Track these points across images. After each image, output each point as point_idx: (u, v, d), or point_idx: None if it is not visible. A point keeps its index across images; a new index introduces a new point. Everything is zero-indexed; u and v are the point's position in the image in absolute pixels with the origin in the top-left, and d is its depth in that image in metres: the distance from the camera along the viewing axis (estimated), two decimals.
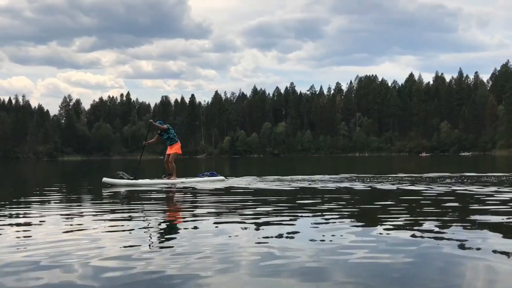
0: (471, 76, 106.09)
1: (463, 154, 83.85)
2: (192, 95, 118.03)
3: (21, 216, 5.59)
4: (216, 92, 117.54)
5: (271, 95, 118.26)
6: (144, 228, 4.58)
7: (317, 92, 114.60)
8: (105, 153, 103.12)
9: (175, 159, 11.18)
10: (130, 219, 5.18)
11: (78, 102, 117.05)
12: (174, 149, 11.23)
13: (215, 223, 4.73)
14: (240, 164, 36.51)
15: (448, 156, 73.87)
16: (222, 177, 11.51)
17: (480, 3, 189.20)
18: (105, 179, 10.09)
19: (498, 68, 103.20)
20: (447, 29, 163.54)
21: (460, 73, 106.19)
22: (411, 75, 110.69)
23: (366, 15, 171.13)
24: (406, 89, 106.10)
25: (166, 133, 11.25)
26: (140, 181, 10.34)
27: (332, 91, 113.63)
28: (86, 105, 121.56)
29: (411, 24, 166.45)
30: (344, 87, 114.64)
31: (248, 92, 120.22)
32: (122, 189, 9.08)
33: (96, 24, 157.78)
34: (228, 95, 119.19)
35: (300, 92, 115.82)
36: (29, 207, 6.37)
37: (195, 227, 4.51)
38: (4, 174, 22.83)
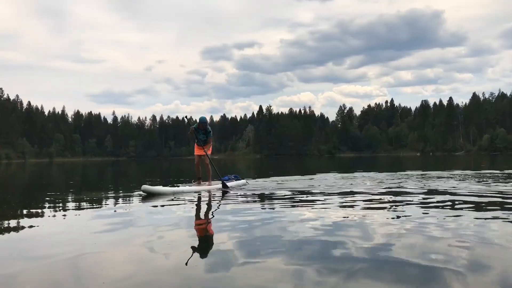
0: None
1: None
2: (450, 97, 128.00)
3: None
4: (474, 93, 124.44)
5: None
6: None
7: None
8: (373, 151, 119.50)
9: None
10: None
11: (351, 109, 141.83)
12: (210, 150, 10.17)
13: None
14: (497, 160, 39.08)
15: None
16: (244, 181, 10.80)
17: None
18: (144, 187, 8.28)
19: None
20: None
21: None
22: None
23: None
24: None
25: (204, 132, 10.04)
26: (181, 188, 8.87)
27: None
28: (357, 111, 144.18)
29: None
30: None
31: (508, 91, 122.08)
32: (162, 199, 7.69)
33: (363, 45, 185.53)
34: (487, 96, 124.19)
35: None
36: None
37: None
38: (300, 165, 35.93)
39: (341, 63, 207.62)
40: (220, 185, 9.67)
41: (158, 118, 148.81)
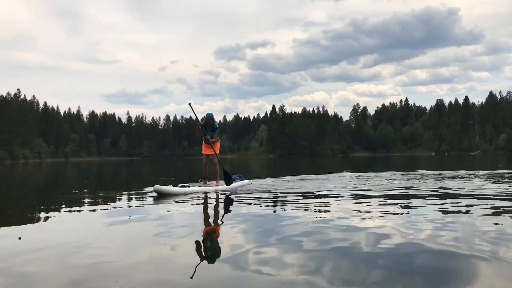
0: None
1: None
2: (466, 96, 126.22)
3: None
4: (491, 92, 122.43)
5: None
6: None
7: None
8: (387, 150, 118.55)
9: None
10: None
11: (364, 109, 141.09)
12: (218, 148, 9.93)
13: None
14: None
15: None
16: (247, 181, 10.70)
17: None
18: (156, 187, 8.26)
19: None
20: None
21: None
22: None
23: None
24: None
25: (212, 129, 9.78)
26: (191, 188, 8.74)
27: None
28: (371, 111, 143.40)
29: None
30: None
31: None
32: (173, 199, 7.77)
33: (377, 43, 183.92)
34: (504, 94, 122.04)
35: None
36: None
37: None
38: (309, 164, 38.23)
39: (355, 62, 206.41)
40: (225, 186, 9.57)
41: (172, 118, 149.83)
